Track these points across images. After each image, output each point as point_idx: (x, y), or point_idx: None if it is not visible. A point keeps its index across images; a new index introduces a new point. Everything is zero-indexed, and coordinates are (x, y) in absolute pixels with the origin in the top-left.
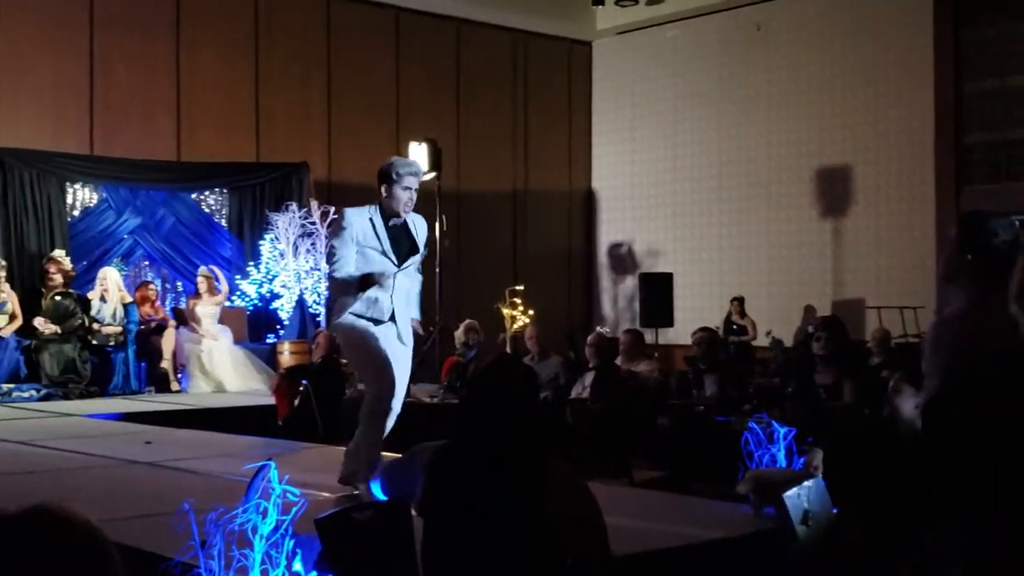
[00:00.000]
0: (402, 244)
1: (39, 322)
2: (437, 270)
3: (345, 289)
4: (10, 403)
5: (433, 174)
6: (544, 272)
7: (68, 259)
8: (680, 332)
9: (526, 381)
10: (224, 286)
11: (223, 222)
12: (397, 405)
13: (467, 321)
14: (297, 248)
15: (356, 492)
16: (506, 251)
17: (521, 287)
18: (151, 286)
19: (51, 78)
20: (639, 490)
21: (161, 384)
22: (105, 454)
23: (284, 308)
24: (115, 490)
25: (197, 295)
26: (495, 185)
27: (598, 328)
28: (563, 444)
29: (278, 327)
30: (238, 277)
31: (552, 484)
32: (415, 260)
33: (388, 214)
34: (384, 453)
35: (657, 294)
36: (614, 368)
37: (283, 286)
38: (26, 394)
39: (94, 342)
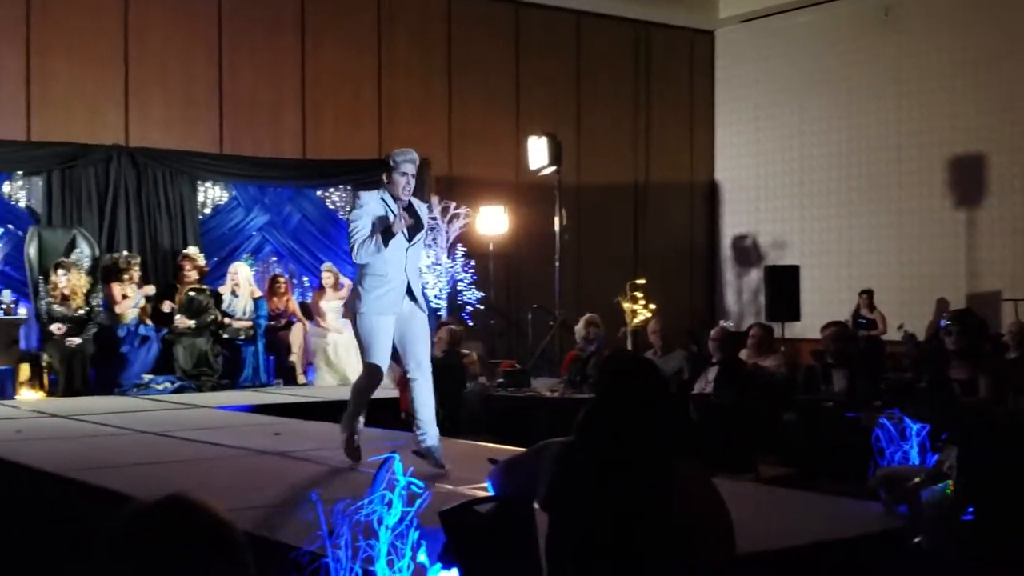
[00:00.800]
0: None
1: (170, 307)
2: (557, 264)
3: (366, 255)
4: (147, 395)
5: (553, 168)
6: (665, 265)
7: (201, 255)
8: (807, 326)
9: (652, 377)
10: (347, 282)
11: (347, 218)
12: (424, 368)
13: (587, 315)
14: None
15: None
16: (627, 245)
17: (642, 281)
18: (281, 279)
19: (181, 79)
20: (765, 487)
21: (289, 377)
22: (236, 445)
23: None
24: (245, 480)
25: (322, 290)
26: (615, 178)
27: (722, 322)
28: (688, 440)
29: None
30: None
31: (679, 481)
32: (421, 236)
33: (393, 198)
34: (503, 446)
35: (783, 287)
36: (739, 363)
37: None
38: (161, 386)
39: (225, 336)
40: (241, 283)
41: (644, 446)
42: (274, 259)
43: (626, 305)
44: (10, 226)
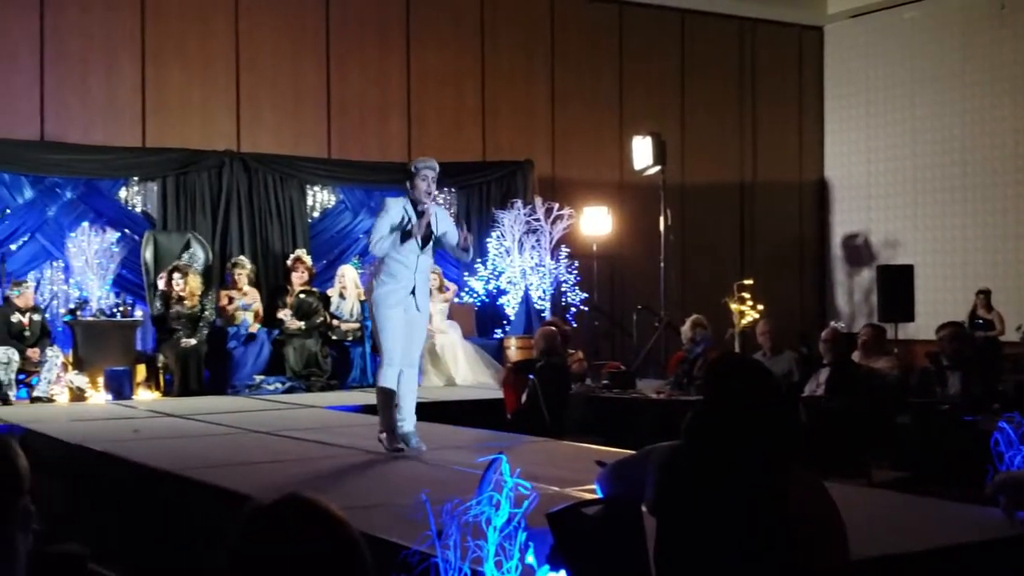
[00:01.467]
0: (424, 230)
1: (285, 314)
2: (662, 265)
3: (380, 251)
4: (258, 395)
5: (657, 168)
6: (773, 266)
7: (310, 258)
8: (921, 327)
9: (761, 379)
10: (451, 285)
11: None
12: (412, 362)
13: (694, 316)
14: (522, 245)
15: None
16: (733, 244)
17: (749, 281)
18: None
19: (290, 85)
20: (878, 491)
21: None
22: (345, 444)
23: (510, 304)
24: (355, 479)
25: None
26: (721, 177)
27: (832, 323)
28: (799, 444)
29: (504, 323)
30: (466, 274)
31: (789, 485)
32: (430, 246)
33: (414, 204)
34: (609, 448)
35: (896, 287)
36: (851, 364)
37: (509, 282)
38: (272, 386)
39: (334, 337)
40: (348, 285)
41: (754, 450)
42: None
43: (733, 306)
44: (126, 231)
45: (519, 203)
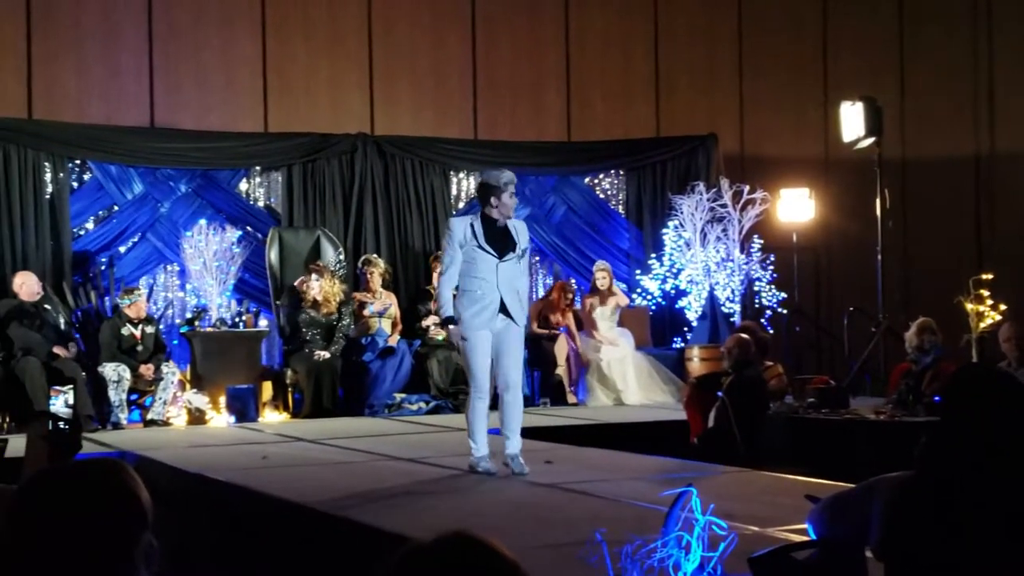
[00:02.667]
0: (501, 242)
1: (431, 322)
2: (879, 257)
3: (454, 284)
4: (399, 415)
5: (871, 139)
6: (1019, 257)
7: None
8: None
9: (1013, 393)
10: (619, 285)
11: (620, 208)
12: (506, 377)
13: (921, 319)
14: (706, 236)
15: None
16: (967, 232)
17: (989, 276)
18: (568, 292)
19: (431, 61)
20: None
21: (556, 396)
22: (502, 473)
23: (692, 307)
24: (516, 515)
25: (594, 294)
26: (951, 150)
27: None
28: None
29: (685, 329)
30: (638, 272)
31: None
32: (515, 254)
33: (487, 221)
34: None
35: None
36: None
37: (690, 281)
38: (415, 406)
39: None
40: None
41: (1006, 479)
42: (536, 258)
43: (969, 306)
44: (248, 228)
45: (701, 186)
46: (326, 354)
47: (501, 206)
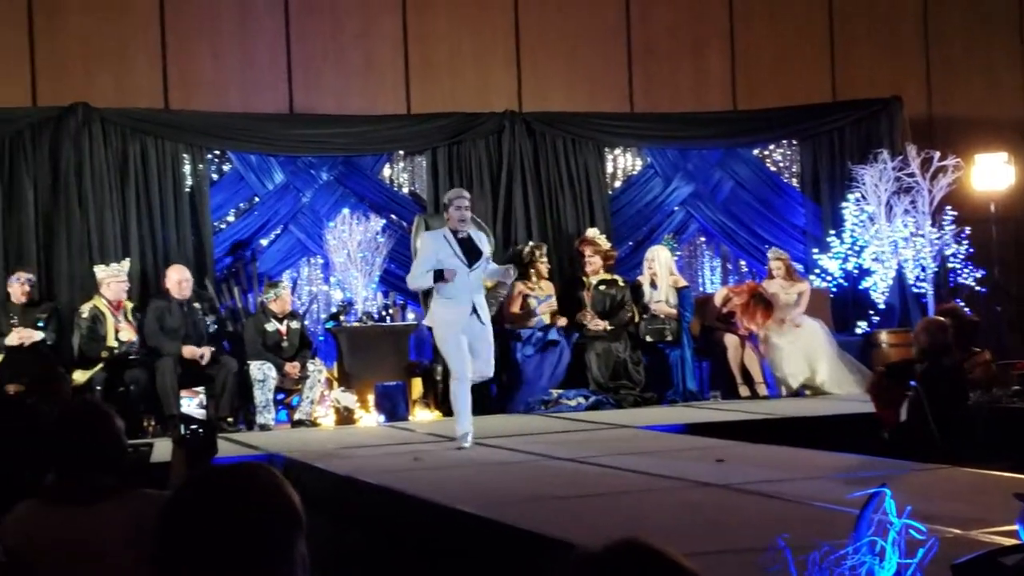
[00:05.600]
0: (469, 253)
1: (586, 317)
2: None
3: (417, 290)
4: (557, 412)
5: None
6: None
7: (604, 238)
8: None
9: None
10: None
11: (794, 181)
12: (482, 370)
13: None
14: (891, 209)
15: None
16: None
17: None
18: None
19: (581, 26)
20: None
21: (729, 388)
22: (669, 474)
23: (877, 288)
24: (688, 519)
25: (770, 278)
26: None
27: None
28: None
29: (871, 313)
30: (816, 251)
31: None
32: (480, 262)
33: (453, 232)
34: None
35: None
36: None
37: (875, 259)
38: (573, 402)
39: (648, 339)
40: (661, 271)
41: None
42: (701, 239)
43: None
44: (392, 216)
45: (885, 154)
46: None
47: (450, 219)
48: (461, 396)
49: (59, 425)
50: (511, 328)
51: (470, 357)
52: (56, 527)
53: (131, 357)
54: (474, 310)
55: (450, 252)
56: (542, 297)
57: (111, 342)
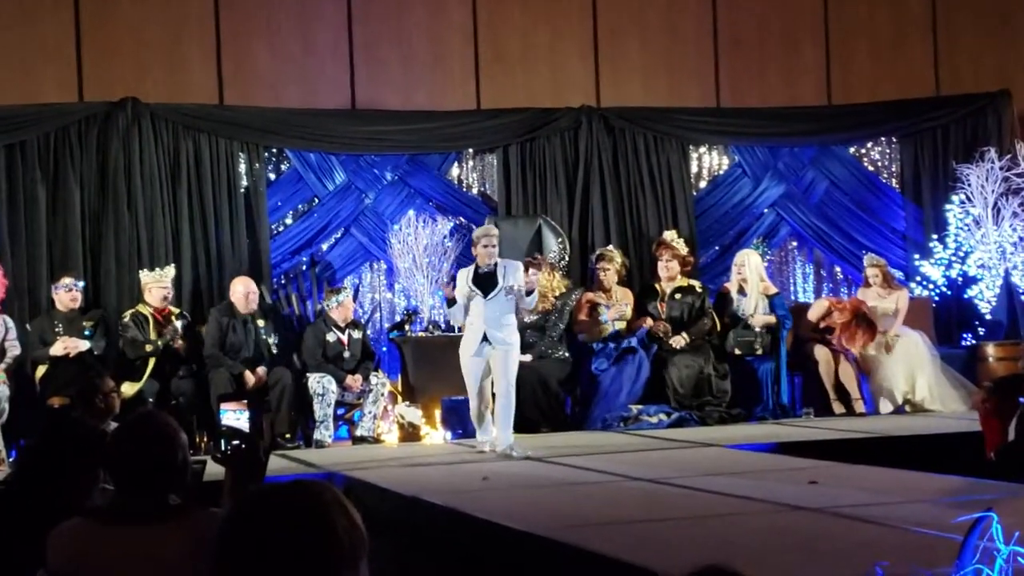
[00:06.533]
0: (487, 283)
1: (660, 329)
2: None
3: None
4: (636, 430)
5: None
6: None
7: (682, 242)
8: None
9: None
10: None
11: (893, 182)
12: (499, 393)
13: None
14: (999, 212)
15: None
16: None
17: None
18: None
19: (664, 18)
20: None
21: (823, 404)
22: (757, 496)
23: (983, 296)
24: (778, 544)
25: (867, 287)
26: None
27: None
28: None
29: (976, 323)
30: (917, 257)
31: None
32: (496, 291)
33: (476, 267)
34: None
35: None
36: None
37: (981, 266)
38: (654, 418)
39: (737, 352)
40: (751, 277)
41: None
42: (793, 244)
43: None
44: (461, 219)
45: (992, 152)
46: (527, 358)
47: (478, 256)
48: (474, 418)
49: (120, 439)
50: (585, 340)
51: (481, 378)
52: (113, 547)
53: (176, 347)
54: (485, 339)
55: (471, 284)
56: (615, 314)
57: (152, 341)
